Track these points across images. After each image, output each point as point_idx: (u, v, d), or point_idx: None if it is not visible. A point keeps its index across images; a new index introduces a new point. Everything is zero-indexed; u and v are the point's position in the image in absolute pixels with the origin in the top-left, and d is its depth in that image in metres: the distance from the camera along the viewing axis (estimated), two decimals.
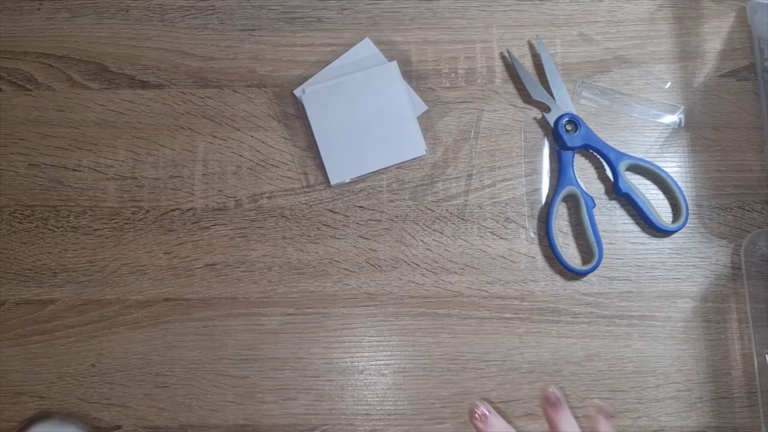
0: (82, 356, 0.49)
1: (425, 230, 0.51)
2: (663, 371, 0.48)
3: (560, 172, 0.51)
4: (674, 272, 0.50)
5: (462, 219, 0.51)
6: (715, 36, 0.54)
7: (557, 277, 0.50)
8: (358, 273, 0.50)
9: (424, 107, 0.52)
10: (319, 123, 0.51)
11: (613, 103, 0.53)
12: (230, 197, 0.51)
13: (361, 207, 0.51)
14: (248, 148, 0.52)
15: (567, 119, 0.51)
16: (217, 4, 0.55)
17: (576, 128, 0.51)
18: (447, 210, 0.51)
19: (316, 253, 0.50)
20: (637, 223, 0.51)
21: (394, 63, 0.52)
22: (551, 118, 0.51)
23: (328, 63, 0.52)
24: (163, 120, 0.52)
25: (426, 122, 0.52)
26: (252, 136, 0.52)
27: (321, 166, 0.51)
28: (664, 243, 0.50)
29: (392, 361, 0.49)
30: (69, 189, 0.51)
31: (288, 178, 0.51)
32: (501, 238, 0.50)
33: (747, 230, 0.50)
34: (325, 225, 0.51)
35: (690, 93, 0.53)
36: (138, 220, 0.51)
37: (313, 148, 0.51)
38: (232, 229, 0.51)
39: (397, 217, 0.51)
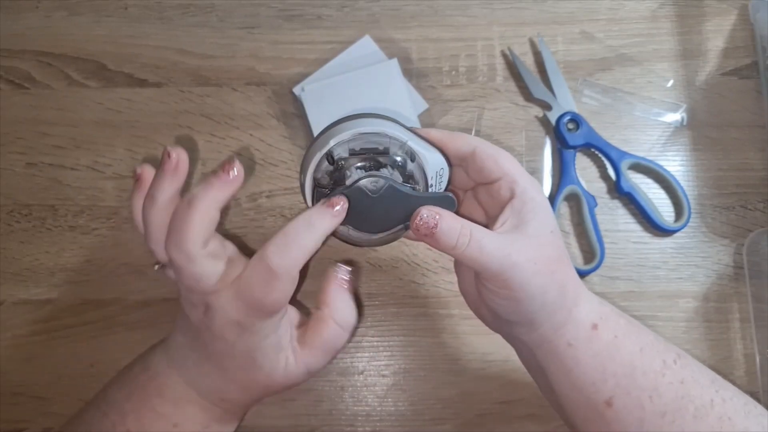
0: (80, 356, 0.48)
1: None
2: None
3: (562, 171, 0.50)
4: (676, 272, 0.50)
5: None
6: (717, 34, 0.54)
7: None
8: (358, 273, 0.50)
9: (424, 105, 0.52)
10: (319, 121, 0.50)
11: (615, 102, 0.52)
12: None
13: None
14: (247, 147, 0.52)
15: (568, 118, 0.50)
16: (216, 2, 0.54)
17: (577, 127, 0.50)
18: None
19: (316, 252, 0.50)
20: (639, 223, 0.50)
21: (395, 60, 0.51)
22: (553, 117, 0.51)
23: (327, 61, 0.52)
24: (161, 118, 0.52)
25: (427, 120, 0.52)
26: (251, 135, 0.52)
27: None
28: (666, 242, 0.50)
29: (392, 362, 0.49)
30: (67, 188, 0.51)
31: (287, 176, 0.51)
32: None
33: (749, 229, 0.50)
34: None
35: (692, 91, 0.53)
36: None
37: None
38: (230, 228, 0.50)
39: None
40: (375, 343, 0.49)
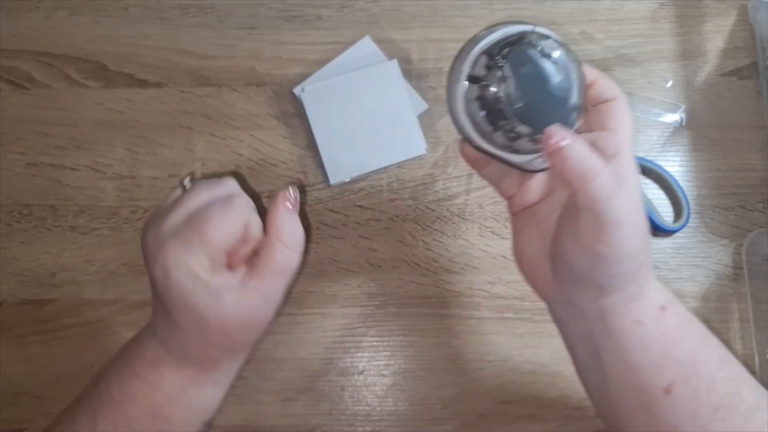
0: (80, 356, 0.48)
1: (425, 230, 0.50)
2: None
3: None
4: (676, 272, 0.50)
5: (462, 218, 0.50)
6: (716, 35, 0.54)
7: None
8: (358, 273, 0.50)
9: (424, 106, 0.52)
10: (319, 121, 0.50)
11: None
12: None
13: (361, 206, 0.51)
14: (247, 147, 0.52)
15: None
16: (216, 2, 0.54)
17: None
18: (447, 209, 0.51)
19: (316, 252, 0.50)
20: None
21: (395, 61, 0.51)
22: None
23: (327, 61, 0.52)
24: (161, 119, 0.52)
25: (427, 121, 0.52)
26: (251, 135, 0.52)
27: (321, 165, 0.51)
28: (666, 243, 0.50)
29: (392, 362, 0.49)
30: (67, 188, 0.51)
31: (287, 177, 0.51)
32: (502, 237, 0.50)
33: (749, 230, 0.50)
34: (324, 224, 0.50)
35: (692, 92, 0.53)
36: (136, 220, 0.50)
37: (312, 147, 0.51)
38: None
39: (397, 216, 0.51)
40: (375, 343, 0.49)
